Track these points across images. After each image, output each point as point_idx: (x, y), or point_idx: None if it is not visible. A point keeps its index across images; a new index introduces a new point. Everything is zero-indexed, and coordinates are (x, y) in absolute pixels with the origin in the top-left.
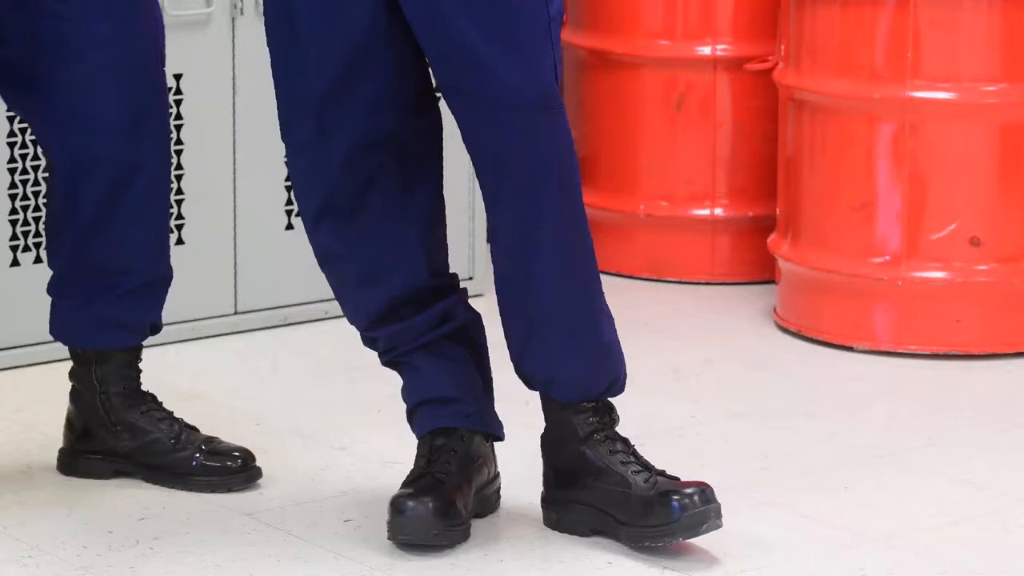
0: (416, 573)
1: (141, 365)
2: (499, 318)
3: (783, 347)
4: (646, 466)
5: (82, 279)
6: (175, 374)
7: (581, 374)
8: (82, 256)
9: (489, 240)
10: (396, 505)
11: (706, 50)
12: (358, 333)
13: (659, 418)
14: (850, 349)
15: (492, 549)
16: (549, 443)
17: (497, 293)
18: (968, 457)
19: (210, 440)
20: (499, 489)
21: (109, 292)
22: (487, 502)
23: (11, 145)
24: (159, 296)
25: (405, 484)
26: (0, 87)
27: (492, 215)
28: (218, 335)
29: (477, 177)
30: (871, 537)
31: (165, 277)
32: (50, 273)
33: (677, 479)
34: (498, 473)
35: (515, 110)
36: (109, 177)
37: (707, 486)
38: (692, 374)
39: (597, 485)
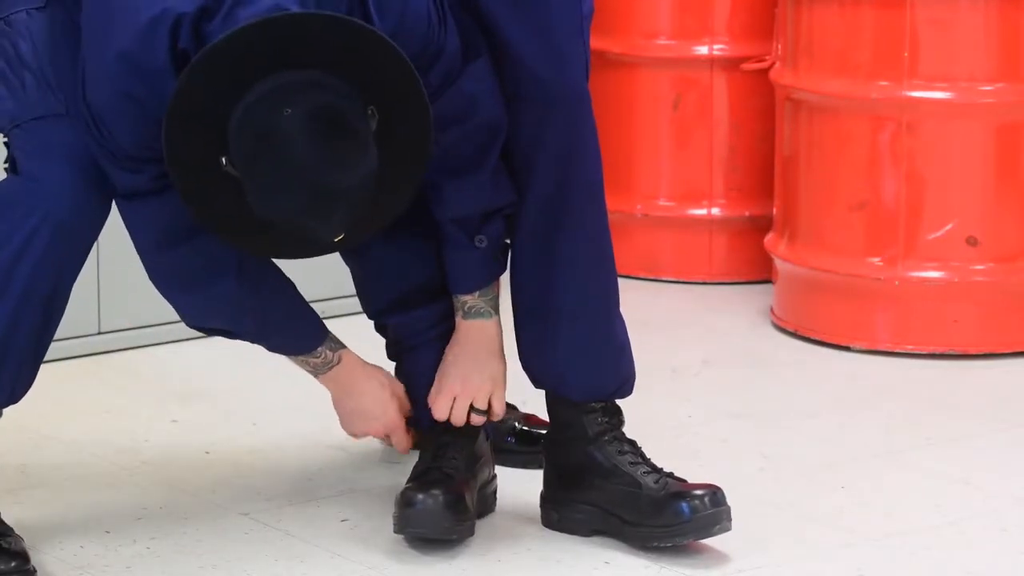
0: (413, 573)
1: (141, 365)
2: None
3: (781, 347)
4: (654, 468)
5: None
6: (175, 374)
7: (594, 373)
8: None
9: (508, 237)
10: (405, 498)
11: (703, 50)
12: (358, 331)
13: (657, 418)
14: (847, 349)
15: (491, 549)
16: (554, 443)
17: (513, 290)
18: (967, 457)
19: None
20: (496, 491)
21: None
22: (485, 502)
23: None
24: None
25: (412, 478)
26: None
27: (517, 208)
28: None
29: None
30: (870, 537)
31: None
32: None
33: (685, 481)
34: (496, 475)
35: (550, 105)
36: None
37: (718, 488)
38: (690, 374)
39: (605, 486)
